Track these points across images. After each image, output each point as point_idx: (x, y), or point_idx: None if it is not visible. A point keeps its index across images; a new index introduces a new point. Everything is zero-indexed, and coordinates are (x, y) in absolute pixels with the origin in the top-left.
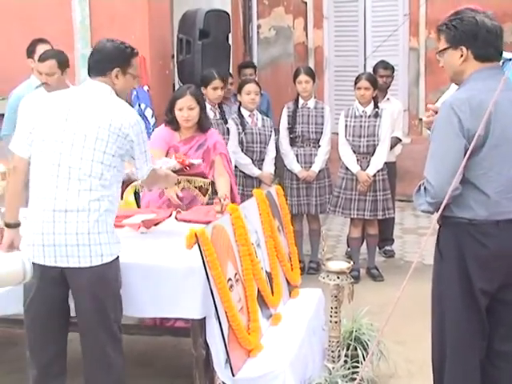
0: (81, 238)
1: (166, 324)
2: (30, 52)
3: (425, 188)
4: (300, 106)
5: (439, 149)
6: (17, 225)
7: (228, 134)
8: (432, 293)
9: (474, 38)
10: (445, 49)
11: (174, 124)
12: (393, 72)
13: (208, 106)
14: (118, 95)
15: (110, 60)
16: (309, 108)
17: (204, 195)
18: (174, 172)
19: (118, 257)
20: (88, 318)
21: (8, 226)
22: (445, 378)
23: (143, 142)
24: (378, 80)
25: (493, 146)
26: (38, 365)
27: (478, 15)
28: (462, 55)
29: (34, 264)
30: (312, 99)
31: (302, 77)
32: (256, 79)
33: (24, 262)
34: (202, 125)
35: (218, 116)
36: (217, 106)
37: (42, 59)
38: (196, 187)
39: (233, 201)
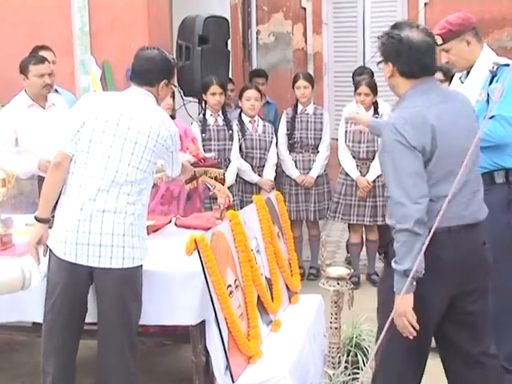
0: (116, 239)
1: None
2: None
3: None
4: (299, 111)
5: (400, 168)
6: (48, 220)
7: (231, 139)
8: (378, 301)
9: (398, 55)
10: (380, 62)
11: None
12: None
13: (208, 113)
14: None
15: (159, 71)
16: (308, 114)
17: (223, 184)
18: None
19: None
20: (112, 319)
21: (39, 220)
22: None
23: (178, 149)
24: None
25: (440, 158)
26: (54, 368)
27: (407, 31)
28: (389, 70)
29: (62, 261)
30: (311, 105)
31: (301, 82)
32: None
33: (23, 270)
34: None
35: (219, 122)
36: (220, 112)
37: (40, 61)
38: (212, 177)
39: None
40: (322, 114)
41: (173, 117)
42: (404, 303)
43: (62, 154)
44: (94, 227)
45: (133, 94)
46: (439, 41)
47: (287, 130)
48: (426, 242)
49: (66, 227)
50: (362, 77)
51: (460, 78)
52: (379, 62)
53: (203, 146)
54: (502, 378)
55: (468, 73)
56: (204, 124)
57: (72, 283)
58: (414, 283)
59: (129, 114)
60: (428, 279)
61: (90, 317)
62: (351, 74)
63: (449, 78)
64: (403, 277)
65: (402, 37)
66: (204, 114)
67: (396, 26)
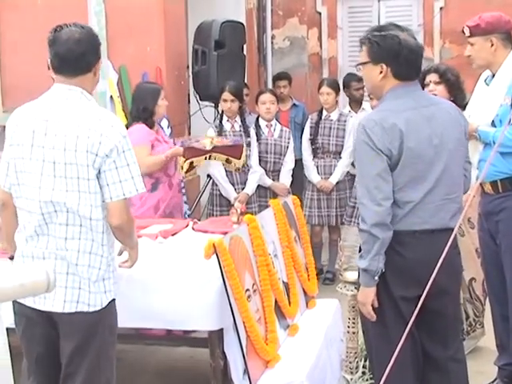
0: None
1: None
2: None
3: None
4: (323, 117)
5: (365, 169)
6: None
7: (248, 145)
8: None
9: (396, 57)
10: (365, 63)
11: (151, 119)
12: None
13: (225, 118)
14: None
15: (95, 52)
16: (331, 120)
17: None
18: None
19: None
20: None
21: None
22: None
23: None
24: (354, 93)
25: (406, 164)
26: None
27: (402, 33)
28: (381, 72)
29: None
30: (336, 111)
31: (324, 89)
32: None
33: (48, 273)
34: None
35: (236, 128)
36: (237, 117)
37: None
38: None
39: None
40: (345, 121)
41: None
42: (365, 295)
43: (1, 192)
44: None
45: (58, 98)
46: (467, 32)
47: (310, 135)
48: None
49: None
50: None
51: (485, 81)
52: (362, 63)
53: None
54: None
55: (494, 75)
56: (220, 129)
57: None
58: (376, 278)
59: (55, 128)
60: (392, 274)
61: None
62: None
63: (445, 80)
64: (364, 272)
65: (401, 39)
66: (221, 120)
67: (383, 28)
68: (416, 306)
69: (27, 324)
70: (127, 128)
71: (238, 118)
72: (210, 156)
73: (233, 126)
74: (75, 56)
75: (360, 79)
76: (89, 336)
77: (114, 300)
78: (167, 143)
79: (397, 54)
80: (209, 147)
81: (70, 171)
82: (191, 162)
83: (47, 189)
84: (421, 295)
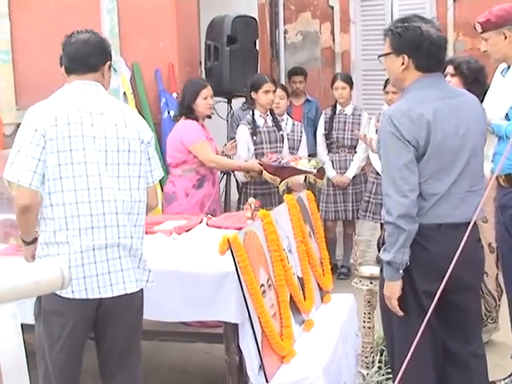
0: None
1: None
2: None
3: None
4: (337, 112)
5: (391, 160)
6: (35, 240)
7: (282, 141)
8: (380, 292)
9: (417, 48)
10: (387, 54)
11: (193, 115)
12: None
13: (257, 113)
14: None
15: (101, 53)
16: (346, 115)
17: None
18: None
19: None
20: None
21: (27, 243)
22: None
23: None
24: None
25: (433, 155)
26: None
27: (425, 25)
28: (403, 63)
29: (69, 300)
30: (350, 105)
31: (339, 83)
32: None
33: (62, 270)
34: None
35: (269, 123)
36: (268, 113)
37: None
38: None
39: None
40: (360, 115)
41: (209, 116)
42: (390, 289)
43: (27, 192)
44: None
45: (80, 91)
46: (479, 29)
47: (325, 130)
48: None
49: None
50: None
51: (501, 73)
52: (384, 54)
53: (255, 149)
54: (485, 379)
55: (509, 67)
56: (254, 126)
57: (83, 321)
58: (401, 271)
59: (95, 117)
60: (417, 269)
61: None
62: (380, 72)
63: (459, 72)
64: (388, 265)
65: (423, 30)
66: (253, 116)
67: (406, 20)
68: (439, 301)
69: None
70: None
71: (269, 113)
72: (304, 177)
73: (266, 121)
74: (81, 55)
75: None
76: (139, 313)
77: None
78: (211, 140)
79: (418, 46)
80: (313, 170)
81: (122, 158)
82: (287, 183)
83: (111, 178)
84: (445, 290)
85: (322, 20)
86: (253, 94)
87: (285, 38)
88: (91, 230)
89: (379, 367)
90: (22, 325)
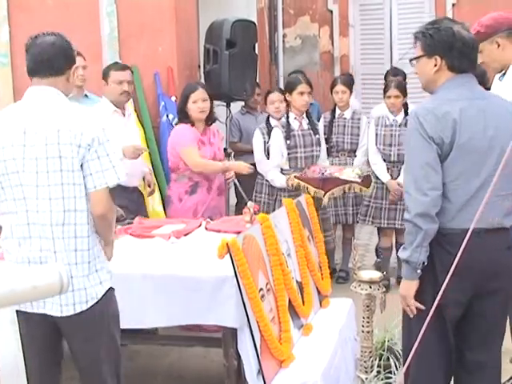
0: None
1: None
2: None
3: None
4: (337, 116)
5: (414, 158)
6: None
7: (319, 145)
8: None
9: (450, 49)
10: (419, 56)
11: (188, 119)
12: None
13: (292, 116)
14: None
15: (68, 56)
16: (345, 118)
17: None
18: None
19: None
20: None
21: None
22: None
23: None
24: None
25: (459, 155)
26: None
27: (456, 26)
28: (435, 64)
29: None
30: (349, 109)
31: (339, 87)
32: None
33: (61, 275)
34: (210, 117)
35: (304, 126)
36: (304, 115)
37: (122, 68)
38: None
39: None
40: (359, 119)
41: (211, 119)
42: (406, 288)
43: None
44: None
45: (35, 98)
46: None
47: (324, 134)
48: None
49: None
50: (397, 78)
51: (499, 78)
52: (416, 57)
53: (288, 154)
54: None
55: (505, 73)
56: (288, 129)
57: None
58: (419, 271)
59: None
60: (443, 276)
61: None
62: (379, 76)
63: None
64: (405, 264)
65: (455, 31)
66: (287, 118)
67: (437, 22)
68: (464, 310)
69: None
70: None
71: (304, 115)
72: (349, 187)
73: (301, 124)
74: (47, 57)
75: (403, 74)
76: (95, 330)
77: (111, 289)
78: (212, 145)
79: (451, 46)
80: (357, 179)
81: (53, 165)
82: (332, 193)
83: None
84: (473, 297)
85: (320, 24)
86: (287, 96)
87: (284, 41)
88: (29, 240)
89: (378, 372)
90: None
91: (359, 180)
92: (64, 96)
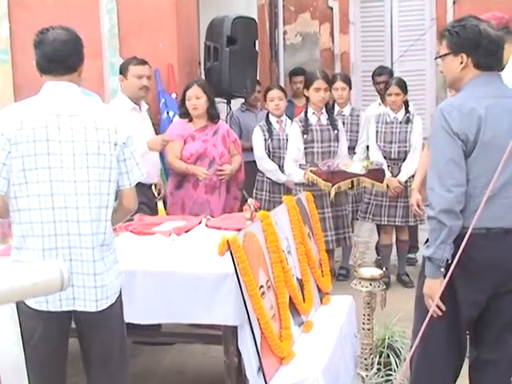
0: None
1: None
2: None
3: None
4: (336, 113)
5: (439, 154)
6: None
7: (337, 140)
8: (417, 289)
9: (476, 47)
10: (445, 54)
11: (187, 115)
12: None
13: (310, 111)
14: None
15: (80, 53)
16: (344, 115)
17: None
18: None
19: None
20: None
21: None
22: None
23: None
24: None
25: (482, 152)
26: None
27: (482, 24)
28: (461, 62)
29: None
30: (348, 106)
31: (338, 84)
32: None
33: (62, 271)
34: (210, 114)
35: (323, 121)
36: (324, 110)
37: (141, 62)
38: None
39: (236, 177)
40: (358, 116)
41: (214, 116)
42: (430, 286)
43: None
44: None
45: (51, 93)
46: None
47: None
48: (463, 242)
49: None
50: (382, 77)
51: None
52: (442, 55)
53: (305, 148)
54: None
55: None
56: (306, 124)
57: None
58: (443, 270)
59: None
60: (461, 277)
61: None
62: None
63: None
64: (429, 261)
65: (481, 29)
66: (305, 113)
67: (463, 20)
68: (481, 310)
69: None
70: None
71: (323, 111)
72: (357, 180)
73: (319, 119)
74: (62, 56)
75: (389, 72)
76: (114, 329)
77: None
78: (206, 142)
79: (477, 44)
80: (362, 171)
81: (93, 161)
82: (339, 187)
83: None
84: (490, 297)
85: (321, 21)
86: (305, 92)
87: (284, 38)
88: (54, 238)
89: (378, 369)
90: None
91: (365, 172)
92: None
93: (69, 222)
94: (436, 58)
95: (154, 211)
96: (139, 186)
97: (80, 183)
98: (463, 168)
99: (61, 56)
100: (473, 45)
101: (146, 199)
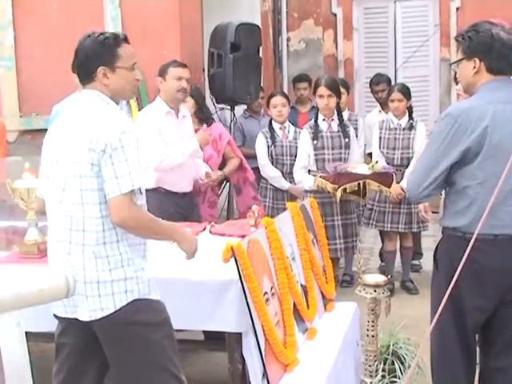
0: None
1: None
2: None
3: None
4: None
5: (430, 154)
6: None
7: (348, 148)
8: (432, 290)
9: (488, 51)
10: (460, 60)
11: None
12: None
13: (321, 117)
14: (114, 98)
15: (90, 58)
16: None
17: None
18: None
19: None
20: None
21: None
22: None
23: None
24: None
25: (488, 157)
26: None
27: (495, 28)
28: (474, 67)
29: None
30: (346, 111)
31: None
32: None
33: (67, 278)
34: (199, 117)
35: (334, 128)
36: (335, 116)
37: (181, 65)
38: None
39: (246, 178)
40: (356, 121)
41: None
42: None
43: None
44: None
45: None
46: None
47: None
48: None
49: None
50: (380, 86)
51: None
52: (457, 61)
53: (315, 155)
54: None
55: None
56: (316, 130)
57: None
58: None
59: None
60: (466, 281)
61: None
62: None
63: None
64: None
65: (493, 33)
66: (316, 119)
67: (477, 24)
68: (489, 316)
69: None
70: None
71: (335, 117)
72: (364, 182)
73: (330, 125)
74: (76, 67)
75: (387, 80)
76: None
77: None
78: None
79: (489, 48)
80: (368, 172)
81: (72, 170)
82: (345, 189)
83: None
84: (498, 304)
85: (324, 27)
86: (313, 97)
87: (288, 45)
88: (53, 244)
89: (383, 376)
90: (26, 333)
91: (368, 172)
92: (106, 99)
93: (56, 229)
94: (451, 64)
95: (191, 218)
96: (167, 194)
97: (57, 191)
98: (443, 173)
99: (76, 68)
100: (486, 48)
101: (175, 207)
